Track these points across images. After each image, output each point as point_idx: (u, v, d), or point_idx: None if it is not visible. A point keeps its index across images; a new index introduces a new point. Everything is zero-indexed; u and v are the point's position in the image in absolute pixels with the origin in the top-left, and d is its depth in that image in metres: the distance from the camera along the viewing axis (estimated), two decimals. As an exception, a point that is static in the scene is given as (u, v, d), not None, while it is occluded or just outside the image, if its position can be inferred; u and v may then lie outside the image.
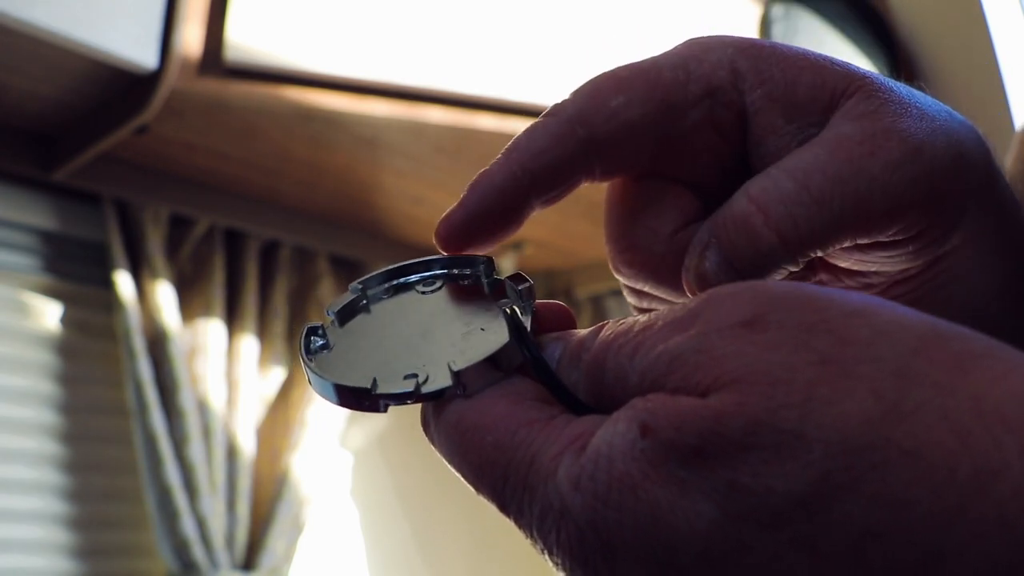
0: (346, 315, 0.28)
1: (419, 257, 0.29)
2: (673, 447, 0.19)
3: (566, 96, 0.27)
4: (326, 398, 0.25)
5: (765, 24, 1.42)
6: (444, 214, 0.26)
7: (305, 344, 0.27)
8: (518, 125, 1.24)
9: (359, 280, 0.28)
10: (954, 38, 1.50)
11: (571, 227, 1.62)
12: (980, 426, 0.17)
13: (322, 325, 0.27)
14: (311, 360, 0.26)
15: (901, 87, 0.26)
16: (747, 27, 1.42)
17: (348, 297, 0.28)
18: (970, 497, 0.17)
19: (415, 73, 1.18)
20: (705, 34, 0.28)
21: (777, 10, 1.44)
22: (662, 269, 0.28)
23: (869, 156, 0.24)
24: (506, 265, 1.69)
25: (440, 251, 0.27)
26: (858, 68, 0.26)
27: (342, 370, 0.26)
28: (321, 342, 0.27)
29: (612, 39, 1.30)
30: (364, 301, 0.28)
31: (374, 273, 0.29)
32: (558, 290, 1.84)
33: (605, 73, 0.27)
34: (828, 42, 1.46)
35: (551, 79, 1.25)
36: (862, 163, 0.24)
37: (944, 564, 0.17)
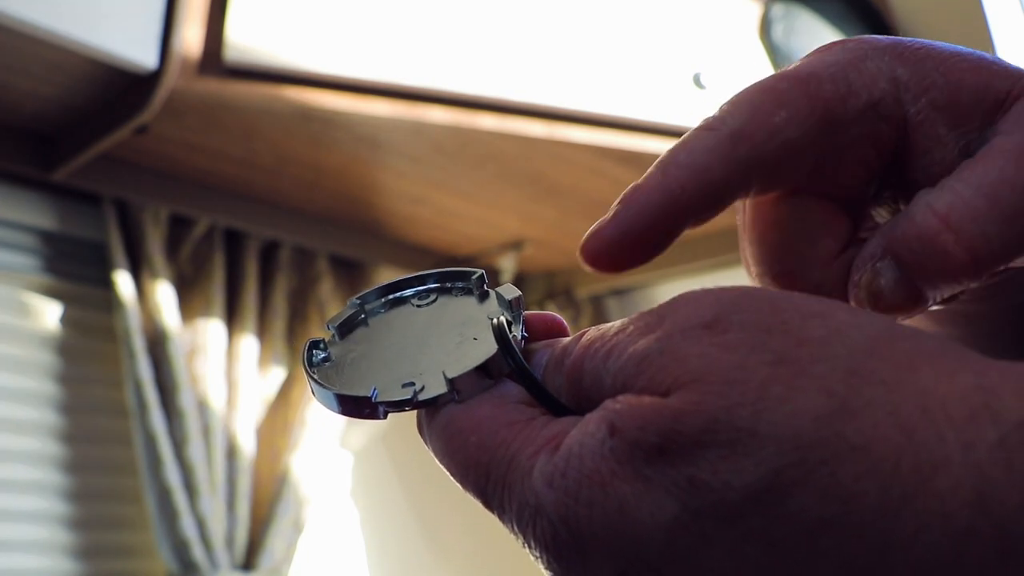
0: (346, 329, 0.29)
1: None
2: (638, 445, 0.20)
3: (722, 108, 0.25)
4: (329, 408, 0.27)
5: (765, 24, 1.42)
6: (592, 229, 0.25)
7: (308, 357, 0.28)
8: (518, 125, 1.25)
9: (357, 296, 0.30)
10: (954, 38, 1.50)
11: (571, 226, 1.62)
12: (925, 421, 0.18)
13: (323, 339, 0.29)
14: (314, 372, 0.28)
15: None
16: (747, 27, 1.42)
17: (347, 312, 0.30)
18: (913, 490, 0.18)
19: (415, 73, 1.18)
20: (854, 38, 0.27)
21: (777, 10, 1.44)
22: (820, 295, 0.26)
23: None
24: (506, 265, 1.69)
25: (589, 267, 0.26)
26: (1016, 67, 0.25)
27: (344, 381, 0.27)
28: (323, 355, 0.29)
29: (612, 39, 1.30)
30: (362, 315, 0.30)
31: (371, 289, 0.30)
32: (558, 290, 1.84)
33: (762, 84, 0.25)
34: (828, 42, 1.46)
35: (551, 79, 1.25)
36: None
37: (892, 554, 0.18)
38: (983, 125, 0.25)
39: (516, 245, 1.69)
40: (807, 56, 0.26)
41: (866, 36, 0.27)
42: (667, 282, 1.79)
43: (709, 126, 0.25)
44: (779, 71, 0.26)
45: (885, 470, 0.18)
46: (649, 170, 0.25)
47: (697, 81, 1.32)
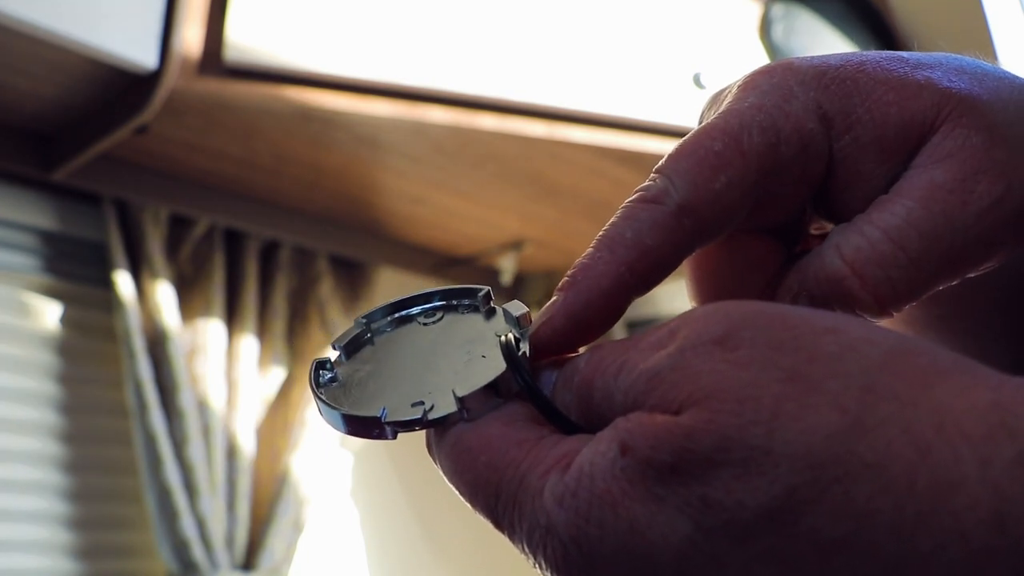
0: (352, 348, 0.29)
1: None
2: (650, 465, 0.20)
3: (663, 174, 0.25)
4: (337, 428, 0.27)
5: (765, 24, 1.42)
6: (544, 317, 0.25)
7: (315, 377, 0.28)
8: (518, 125, 1.25)
9: (363, 315, 0.30)
10: (954, 38, 1.50)
11: (571, 226, 1.62)
12: (940, 439, 0.18)
13: (329, 359, 0.29)
14: (322, 392, 0.27)
15: (985, 93, 0.25)
16: (747, 27, 1.41)
17: (353, 331, 0.29)
18: (929, 508, 0.17)
19: (415, 73, 1.18)
20: (775, 64, 0.26)
21: (777, 10, 1.44)
22: None
23: (961, 207, 0.24)
24: (506, 265, 1.69)
25: (538, 351, 0.26)
26: (943, 82, 0.25)
27: (352, 401, 0.27)
28: (330, 375, 0.28)
29: (612, 39, 1.30)
30: (368, 334, 0.30)
31: (377, 307, 0.30)
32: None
33: (698, 144, 0.25)
34: (828, 42, 1.46)
35: (551, 79, 1.25)
36: (955, 215, 0.24)
37: (908, 574, 0.17)
38: (909, 158, 0.25)
39: (516, 245, 1.69)
40: (736, 94, 0.26)
41: (791, 63, 0.26)
42: (667, 282, 1.78)
43: (653, 198, 0.25)
44: (710, 122, 0.26)
45: (899, 488, 0.18)
46: (593, 248, 0.25)
47: (697, 81, 1.32)
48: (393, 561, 1.81)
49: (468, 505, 0.24)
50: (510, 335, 0.26)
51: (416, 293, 0.30)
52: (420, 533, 1.84)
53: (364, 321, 0.30)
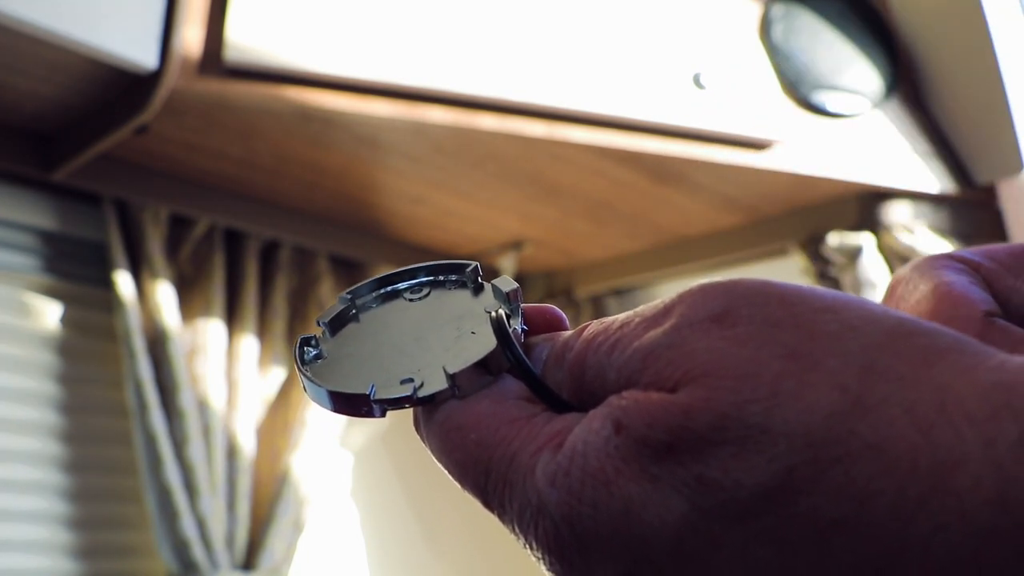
0: (337, 325, 0.28)
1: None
2: (645, 443, 0.20)
3: None
4: (323, 406, 0.26)
5: (765, 24, 1.42)
6: None
7: (299, 355, 0.27)
8: (518, 125, 1.25)
9: (347, 290, 0.29)
10: (954, 38, 1.50)
11: (571, 226, 1.62)
12: (942, 418, 0.18)
13: (315, 336, 0.28)
14: (307, 370, 0.27)
15: None
16: (747, 27, 1.41)
17: (338, 307, 0.29)
18: (932, 489, 0.17)
19: (415, 73, 1.18)
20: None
21: (777, 10, 1.43)
22: None
23: None
24: (506, 265, 1.69)
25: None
26: None
27: (338, 378, 0.26)
28: (315, 352, 0.28)
29: (612, 39, 1.30)
30: (353, 311, 0.29)
31: (362, 283, 0.29)
32: (558, 290, 1.83)
33: None
34: (828, 42, 1.46)
35: (551, 79, 1.25)
36: None
37: (907, 555, 0.17)
38: None
39: (516, 245, 1.69)
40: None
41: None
42: (667, 282, 1.79)
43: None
44: None
45: (901, 469, 0.17)
46: None
47: (697, 81, 1.32)
48: (393, 561, 1.81)
49: (457, 484, 0.24)
50: (500, 311, 0.25)
51: (402, 269, 0.29)
52: (420, 533, 1.84)
53: (349, 297, 0.29)
